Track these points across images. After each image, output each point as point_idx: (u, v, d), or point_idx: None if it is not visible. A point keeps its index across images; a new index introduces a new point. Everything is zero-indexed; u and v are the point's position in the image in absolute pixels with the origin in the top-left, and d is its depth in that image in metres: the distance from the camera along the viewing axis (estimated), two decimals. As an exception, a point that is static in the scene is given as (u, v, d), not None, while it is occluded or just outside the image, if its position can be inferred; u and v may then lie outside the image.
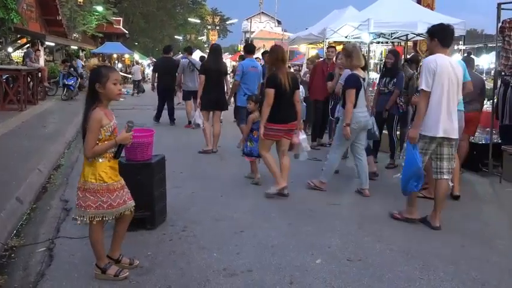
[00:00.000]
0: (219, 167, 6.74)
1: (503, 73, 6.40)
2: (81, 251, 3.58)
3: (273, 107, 5.05)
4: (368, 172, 5.60)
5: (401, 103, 6.66)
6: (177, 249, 3.73)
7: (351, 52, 5.35)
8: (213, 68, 7.38)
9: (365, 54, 8.32)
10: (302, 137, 5.46)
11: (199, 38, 59.31)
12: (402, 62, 7.57)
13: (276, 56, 5.22)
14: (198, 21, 50.51)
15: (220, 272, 3.34)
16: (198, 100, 7.45)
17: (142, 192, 3.95)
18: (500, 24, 6.26)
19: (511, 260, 3.72)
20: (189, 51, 11.28)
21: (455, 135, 4.29)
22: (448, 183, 4.48)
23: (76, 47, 24.39)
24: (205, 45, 52.60)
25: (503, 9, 6.30)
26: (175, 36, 50.27)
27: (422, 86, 4.20)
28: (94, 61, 3.19)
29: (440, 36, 4.37)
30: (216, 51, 7.78)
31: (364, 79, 5.38)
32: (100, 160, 3.02)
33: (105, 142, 3.00)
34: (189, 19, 47.24)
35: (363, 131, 5.49)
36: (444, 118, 4.20)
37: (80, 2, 25.01)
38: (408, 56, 10.30)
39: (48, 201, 4.98)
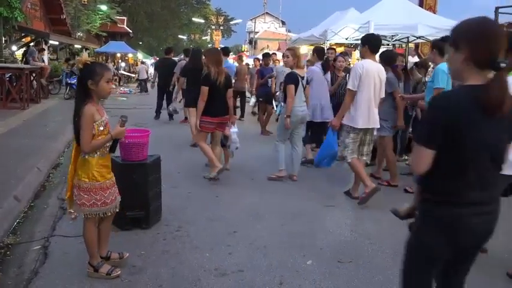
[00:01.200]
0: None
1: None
2: (75, 250, 3.63)
3: (207, 102, 5.69)
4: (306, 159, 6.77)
5: (408, 106, 6.62)
6: (171, 248, 3.77)
7: (299, 54, 6.17)
8: (192, 70, 7.56)
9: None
10: (233, 130, 6.04)
11: (203, 38, 59.41)
12: (411, 66, 7.60)
13: (212, 57, 5.87)
14: (202, 21, 50.61)
15: (212, 272, 3.38)
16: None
17: (137, 192, 4.02)
18: (498, 28, 6.28)
19: (505, 268, 3.74)
20: (186, 53, 11.32)
21: (376, 125, 5.22)
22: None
23: (80, 46, 24.51)
24: (209, 45, 52.69)
25: (500, 13, 6.33)
26: (180, 36, 50.36)
27: (349, 86, 5.06)
28: (85, 57, 3.23)
29: (370, 44, 5.12)
30: (195, 54, 8.04)
31: (302, 77, 5.98)
32: (93, 156, 3.07)
33: (100, 137, 3.04)
34: (193, 19, 47.29)
35: (301, 124, 6.14)
36: (370, 113, 5.06)
37: (84, 1, 25.14)
38: (416, 60, 10.31)
39: (46, 200, 5.03)
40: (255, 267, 3.50)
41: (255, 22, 62.68)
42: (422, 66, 7.16)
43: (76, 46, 24.16)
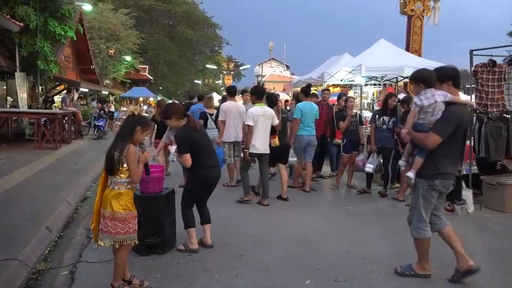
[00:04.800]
0: (225, 198, 6.81)
1: (477, 111, 6.49)
2: (98, 274, 3.70)
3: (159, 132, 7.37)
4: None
5: (397, 138, 6.71)
6: (183, 271, 3.82)
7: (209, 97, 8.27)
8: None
9: (354, 96, 8.75)
10: (174, 147, 5.87)
11: (216, 82, 60.43)
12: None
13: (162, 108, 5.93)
14: (215, 67, 51.60)
15: (220, 292, 3.41)
16: None
17: (154, 221, 4.10)
18: (473, 68, 6.41)
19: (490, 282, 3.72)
20: (200, 98, 11.12)
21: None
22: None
23: (107, 92, 25.11)
24: (222, 88, 53.50)
25: (475, 55, 6.46)
26: (195, 81, 51.33)
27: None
28: (136, 108, 3.47)
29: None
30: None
31: (211, 115, 7.73)
32: (128, 189, 3.23)
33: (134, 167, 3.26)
34: (207, 65, 48.31)
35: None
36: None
37: (111, 53, 25.93)
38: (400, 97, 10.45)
39: (74, 230, 5.13)
40: (259, 287, 3.52)
41: (262, 67, 63.91)
42: (404, 102, 7.29)
43: (103, 92, 24.76)
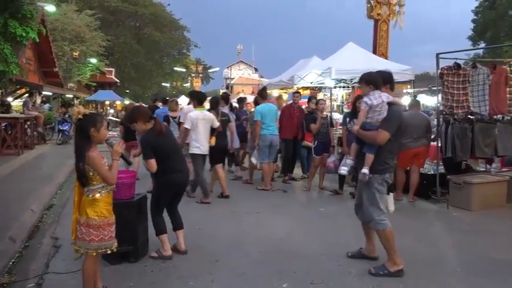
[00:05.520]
0: (196, 198, 6.74)
1: (444, 112, 6.69)
2: (67, 285, 3.55)
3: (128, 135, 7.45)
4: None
5: None
6: (157, 279, 3.72)
7: (172, 100, 8.35)
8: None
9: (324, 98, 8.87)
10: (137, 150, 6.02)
11: (185, 85, 59.87)
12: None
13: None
14: (184, 70, 51.08)
15: (196, 299, 3.34)
16: None
17: (126, 228, 3.96)
18: (439, 71, 6.61)
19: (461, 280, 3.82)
20: (164, 101, 10.93)
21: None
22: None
23: (71, 95, 24.37)
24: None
25: (441, 58, 6.66)
26: (163, 84, 50.67)
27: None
28: (81, 108, 3.26)
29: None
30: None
31: (174, 118, 7.60)
32: (97, 196, 3.09)
33: (108, 167, 3.14)
34: (175, 68, 47.77)
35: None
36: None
37: (76, 56, 25.20)
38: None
39: (40, 239, 4.91)
40: (236, 292, 3.48)
41: (230, 69, 63.79)
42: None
43: (68, 96, 24.03)
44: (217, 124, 6.61)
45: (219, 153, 6.94)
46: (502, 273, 3.90)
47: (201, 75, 53.62)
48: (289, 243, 4.73)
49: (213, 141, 6.65)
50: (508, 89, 6.74)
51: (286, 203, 6.78)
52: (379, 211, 3.84)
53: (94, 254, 3.10)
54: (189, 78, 56.97)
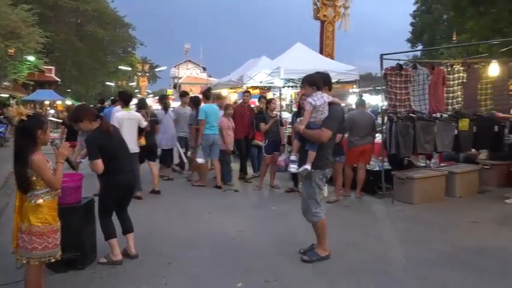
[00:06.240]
0: (147, 204, 6.60)
1: (388, 111, 7.00)
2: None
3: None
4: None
5: None
6: (107, 285, 3.60)
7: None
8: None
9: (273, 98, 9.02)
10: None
11: (130, 84, 58.24)
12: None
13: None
14: (129, 68, 49.60)
15: (149, 304, 3.26)
16: None
17: (72, 234, 3.78)
18: (383, 71, 6.90)
19: (402, 277, 4.00)
20: (113, 101, 10.75)
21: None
22: None
23: (7, 95, 22.90)
24: (136, 91, 51.66)
25: (385, 59, 6.95)
26: (107, 83, 48.95)
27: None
28: (22, 109, 3.03)
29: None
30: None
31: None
32: (40, 201, 2.92)
33: (53, 171, 2.97)
34: (120, 67, 46.26)
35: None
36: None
37: (11, 53, 23.68)
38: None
39: (-25, 250, 4.56)
40: (190, 295, 3.43)
41: (178, 69, 62.87)
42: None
43: (3, 95, 22.56)
44: (144, 124, 6.68)
45: (148, 151, 7.09)
46: (445, 263, 4.14)
47: (147, 74, 52.28)
48: (242, 243, 4.74)
49: (143, 140, 6.75)
50: (445, 89, 7.18)
51: (238, 203, 6.79)
52: (317, 204, 4.12)
53: (37, 263, 2.93)
54: (135, 77, 55.46)
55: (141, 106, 7.34)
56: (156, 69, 58.45)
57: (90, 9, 37.06)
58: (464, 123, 7.22)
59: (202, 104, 8.05)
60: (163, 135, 8.46)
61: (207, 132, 7.72)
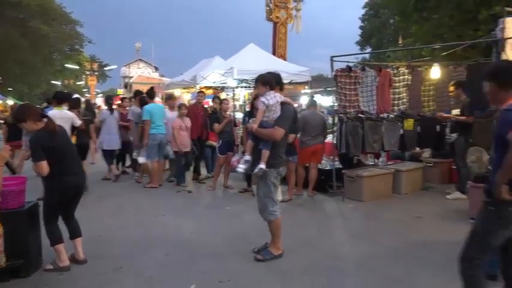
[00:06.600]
0: (96, 207, 6.40)
1: (338, 112, 7.21)
2: None
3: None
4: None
5: None
6: (54, 293, 3.45)
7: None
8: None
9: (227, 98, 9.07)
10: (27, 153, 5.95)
11: (78, 83, 56.06)
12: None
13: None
14: (77, 67, 47.72)
15: (99, 310, 3.17)
16: None
17: (15, 240, 3.60)
18: (333, 73, 7.09)
19: (353, 272, 4.14)
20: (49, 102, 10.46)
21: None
22: None
23: None
24: (85, 90, 49.91)
25: (335, 61, 7.16)
26: (53, 82, 46.82)
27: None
28: None
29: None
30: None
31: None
32: None
33: None
34: (67, 65, 44.38)
35: None
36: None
37: None
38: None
39: None
40: (142, 298, 3.37)
41: (129, 68, 61.19)
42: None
43: None
44: (78, 122, 6.65)
45: (82, 150, 6.92)
46: (392, 257, 4.33)
47: (96, 73, 50.57)
48: (196, 244, 4.71)
49: (74, 139, 6.65)
50: (391, 90, 7.50)
51: (192, 204, 6.74)
52: (273, 203, 4.18)
53: None
54: (83, 76, 53.45)
55: (74, 105, 7.24)
56: (106, 68, 56.58)
57: (33, 3, 35.27)
58: (409, 123, 7.59)
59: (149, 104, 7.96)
60: (106, 136, 8.50)
61: (154, 132, 7.74)
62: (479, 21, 11.27)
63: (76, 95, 10.06)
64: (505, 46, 6.14)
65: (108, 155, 8.71)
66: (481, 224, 2.62)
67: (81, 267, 3.97)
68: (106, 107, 9.18)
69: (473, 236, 2.65)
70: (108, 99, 9.53)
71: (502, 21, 6.25)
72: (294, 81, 11.20)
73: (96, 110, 12.24)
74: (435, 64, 7.65)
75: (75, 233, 4.12)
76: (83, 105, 9.51)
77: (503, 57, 6.11)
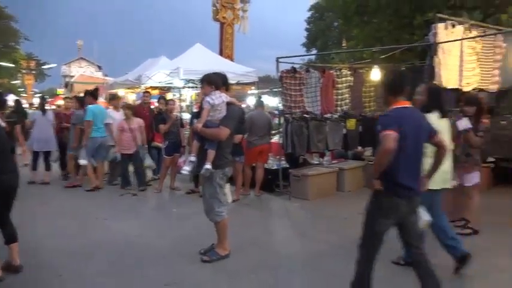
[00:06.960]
0: (33, 212, 6.08)
1: (284, 112, 7.34)
2: None
3: None
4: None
5: None
6: (-15, 306, 3.24)
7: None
8: None
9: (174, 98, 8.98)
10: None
11: (13, 82, 52.83)
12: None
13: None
14: (12, 65, 44.95)
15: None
16: None
17: None
18: (279, 74, 7.21)
19: (299, 270, 4.24)
20: None
21: None
22: None
23: None
24: (21, 90, 47.14)
25: (281, 62, 7.29)
26: (-15, 80, 43.85)
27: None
28: None
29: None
30: None
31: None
32: None
33: None
34: (1, 63, 41.72)
35: None
36: None
37: None
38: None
39: None
40: (83, 306, 3.25)
41: (70, 67, 58.51)
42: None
43: None
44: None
45: None
46: (336, 253, 4.49)
47: (33, 71, 47.95)
48: (141, 247, 4.61)
49: None
50: (335, 91, 7.74)
51: (137, 207, 6.58)
52: (220, 203, 4.16)
53: None
54: (19, 74, 50.46)
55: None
56: (44, 67, 53.75)
57: (-39, -4, 32.86)
58: (351, 123, 7.88)
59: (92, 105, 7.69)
60: (38, 136, 8.13)
61: (95, 135, 7.53)
62: (414, 26, 11.90)
63: (11, 95, 9.60)
64: (437, 50, 6.54)
65: (42, 157, 8.28)
66: (366, 214, 3.04)
67: (16, 277, 3.74)
68: (38, 107, 8.91)
69: (363, 225, 3.05)
70: (42, 100, 9.22)
71: (434, 26, 6.64)
72: (241, 82, 11.24)
73: (31, 110, 11.75)
74: (375, 66, 7.99)
75: (11, 238, 3.88)
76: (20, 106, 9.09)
77: (436, 60, 6.51)
